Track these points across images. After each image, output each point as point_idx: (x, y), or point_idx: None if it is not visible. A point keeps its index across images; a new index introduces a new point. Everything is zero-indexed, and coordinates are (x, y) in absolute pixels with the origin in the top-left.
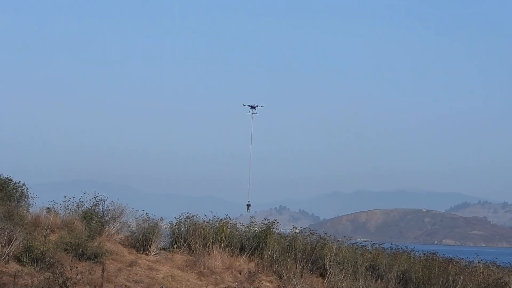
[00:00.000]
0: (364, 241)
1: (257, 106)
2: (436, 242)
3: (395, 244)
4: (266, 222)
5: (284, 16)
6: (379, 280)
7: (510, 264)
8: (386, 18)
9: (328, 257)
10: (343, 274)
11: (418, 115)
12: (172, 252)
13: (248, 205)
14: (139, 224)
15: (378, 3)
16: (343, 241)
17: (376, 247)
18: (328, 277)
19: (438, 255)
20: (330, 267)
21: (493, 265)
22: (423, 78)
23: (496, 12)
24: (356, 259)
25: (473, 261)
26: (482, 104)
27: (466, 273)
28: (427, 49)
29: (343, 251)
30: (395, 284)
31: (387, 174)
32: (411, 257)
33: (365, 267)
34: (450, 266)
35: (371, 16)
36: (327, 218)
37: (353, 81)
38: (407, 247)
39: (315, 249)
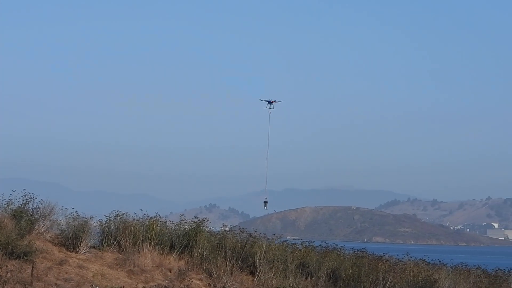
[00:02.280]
0: (294, 239)
1: (275, 101)
2: (365, 239)
3: (325, 242)
4: (196, 220)
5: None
6: (309, 277)
7: (439, 261)
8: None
9: (258, 255)
10: (273, 272)
11: (349, 115)
12: (102, 250)
13: (265, 202)
14: (69, 222)
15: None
16: (273, 239)
17: (306, 245)
18: (258, 275)
19: (367, 252)
20: (260, 265)
21: (422, 263)
22: (348, 77)
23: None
24: (286, 257)
25: (402, 258)
26: (410, 104)
27: (395, 271)
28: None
29: (273, 249)
30: (324, 282)
31: (317, 172)
32: (341, 255)
33: (295, 264)
34: (379, 264)
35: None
36: (257, 216)
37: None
38: (337, 245)
39: (245, 247)
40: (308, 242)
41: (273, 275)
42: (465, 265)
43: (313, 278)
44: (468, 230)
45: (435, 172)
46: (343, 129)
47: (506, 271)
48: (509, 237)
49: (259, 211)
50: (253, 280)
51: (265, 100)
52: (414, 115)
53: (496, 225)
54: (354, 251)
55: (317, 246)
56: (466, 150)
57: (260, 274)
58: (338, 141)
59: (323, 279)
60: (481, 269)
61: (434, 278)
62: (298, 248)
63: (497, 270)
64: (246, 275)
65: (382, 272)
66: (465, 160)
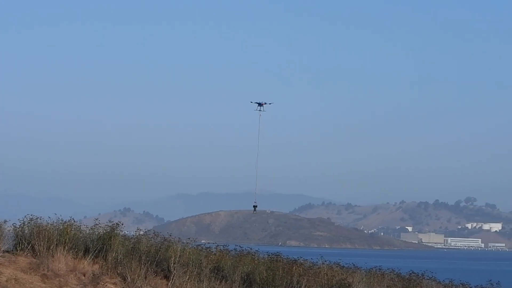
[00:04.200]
0: (209, 243)
1: (265, 104)
2: (280, 243)
3: (240, 246)
4: (110, 224)
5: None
6: (224, 281)
7: (353, 265)
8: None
9: (172, 259)
10: (188, 276)
11: (262, 120)
12: (16, 254)
13: (255, 206)
14: None
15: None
16: (187, 243)
17: (220, 249)
18: (172, 279)
19: (282, 256)
20: (174, 269)
21: (337, 266)
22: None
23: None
24: (201, 260)
25: (317, 262)
26: (327, 109)
27: (310, 274)
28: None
29: (187, 253)
30: (239, 286)
31: (232, 176)
32: (255, 259)
33: (210, 268)
34: (294, 268)
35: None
36: (171, 220)
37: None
38: (251, 249)
39: (159, 251)
40: (223, 246)
41: (188, 279)
42: (379, 269)
43: (228, 282)
44: (382, 233)
45: (350, 175)
46: (254, 133)
47: (420, 274)
48: (423, 241)
49: (174, 215)
50: (167, 284)
51: (256, 102)
52: (327, 119)
53: (410, 228)
54: (269, 255)
55: (231, 250)
56: (380, 154)
57: (175, 278)
58: (253, 145)
59: (238, 282)
60: (395, 273)
61: (348, 281)
62: (212, 252)
63: (411, 274)
64: (160, 279)
65: (296, 276)
66: (379, 165)
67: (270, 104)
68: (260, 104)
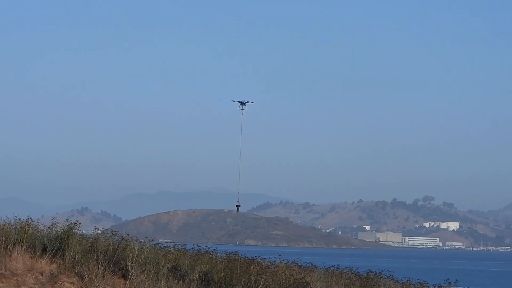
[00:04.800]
0: (166, 242)
1: (247, 102)
2: (238, 242)
3: (197, 245)
4: (68, 223)
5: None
6: (182, 280)
7: (311, 264)
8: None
9: (130, 258)
10: (145, 275)
11: (222, 115)
12: None
13: (238, 206)
14: None
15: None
16: (145, 242)
17: (178, 248)
18: (130, 278)
19: (240, 255)
20: (132, 268)
21: (294, 265)
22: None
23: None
24: (158, 260)
25: (275, 261)
26: (286, 105)
27: (268, 273)
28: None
29: (145, 252)
30: (197, 285)
31: (190, 175)
32: (213, 258)
33: (167, 268)
34: (252, 267)
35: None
36: (129, 219)
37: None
38: (209, 248)
39: (117, 250)
40: (181, 245)
41: (145, 278)
42: (337, 268)
43: (186, 281)
44: (340, 232)
45: (307, 175)
46: (217, 129)
47: (377, 273)
48: (381, 240)
49: (131, 214)
50: (125, 283)
51: (238, 101)
52: (290, 115)
53: (367, 227)
54: (227, 254)
55: (189, 249)
56: (337, 152)
57: (132, 277)
58: (212, 144)
59: (196, 282)
60: (352, 271)
61: (306, 280)
62: (170, 251)
63: (368, 272)
64: (118, 278)
65: (254, 275)
66: (337, 163)
67: (252, 102)
68: (242, 103)
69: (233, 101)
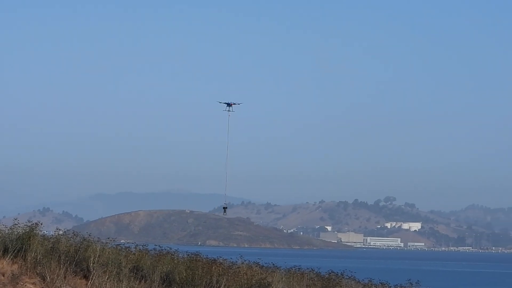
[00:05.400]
0: (128, 243)
1: (234, 104)
2: (199, 243)
3: (159, 245)
4: (30, 224)
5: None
6: (143, 281)
7: (273, 264)
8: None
9: (92, 258)
10: (107, 276)
11: (188, 115)
12: None
13: (225, 208)
14: None
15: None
16: (106, 243)
17: (139, 249)
18: (92, 279)
19: (201, 256)
20: (94, 269)
21: (256, 266)
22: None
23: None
24: (120, 260)
25: (236, 261)
26: (252, 109)
27: (229, 274)
28: None
29: (106, 253)
30: (159, 285)
31: (152, 175)
32: (175, 258)
33: (129, 268)
34: (213, 267)
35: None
36: (90, 220)
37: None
38: (171, 248)
39: (78, 251)
40: (142, 245)
41: (107, 279)
42: (299, 268)
43: (147, 282)
44: (301, 233)
45: (269, 175)
46: (175, 132)
47: (339, 274)
48: (342, 240)
49: (93, 215)
50: (87, 284)
51: (224, 103)
52: (249, 115)
53: (329, 228)
54: (188, 255)
55: (151, 250)
56: (297, 152)
57: (94, 278)
58: (172, 144)
59: (157, 282)
60: (314, 272)
61: (267, 281)
62: (132, 251)
63: (330, 273)
64: (80, 278)
65: (216, 275)
66: (297, 163)
67: (239, 104)
68: (229, 105)
69: (220, 102)
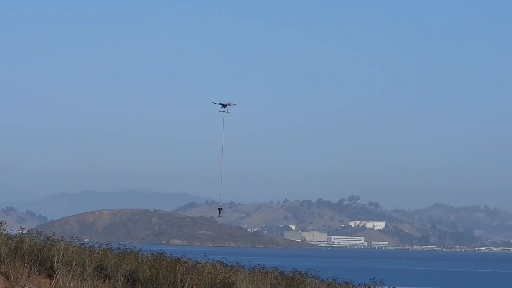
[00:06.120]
0: (92, 242)
1: (229, 104)
2: (163, 242)
3: (123, 244)
4: None
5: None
6: (107, 280)
7: (237, 263)
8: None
9: (56, 258)
10: (71, 275)
11: (141, 119)
12: None
13: (220, 209)
14: None
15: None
16: (70, 242)
17: (103, 248)
18: (56, 278)
19: (165, 255)
20: (58, 268)
21: (220, 265)
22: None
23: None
24: (84, 259)
25: (200, 260)
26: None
27: (193, 273)
28: None
29: (70, 252)
30: (123, 284)
31: (115, 175)
32: (139, 257)
33: (93, 267)
34: (177, 266)
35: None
36: (54, 219)
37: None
38: (134, 247)
39: (42, 250)
40: (106, 244)
41: (71, 278)
42: (263, 267)
43: (111, 281)
44: (265, 232)
45: (233, 175)
46: (138, 131)
47: (303, 273)
48: (306, 239)
49: (57, 214)
50: (51, 283)
51: (219, 104)
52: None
53: (293, 227)
54: (152, 254)
55: (115, 249)
56: (261, 150)
57: (58, 277)
58: (134, 143)
59: (121, 281)
60: (278, 271)
61: (231, 280)
62: (96, 250)
63: (294, 272)
64: (44, 278)
65: (180, 275)
66: (261, 163)
67: (234, 105)
68: (224, 105)
69: (214, 103)
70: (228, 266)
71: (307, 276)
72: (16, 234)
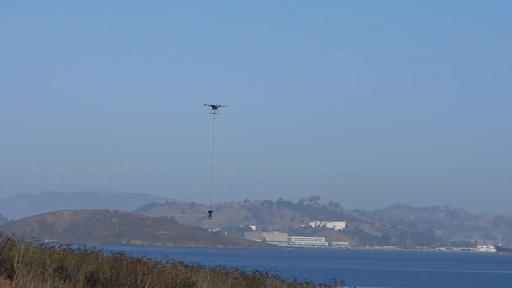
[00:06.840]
0: (52, 242)
1: (219, 106)
2: (124, 242)
3: (84, 245)
4: None
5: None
6: (68, 281)
7: (198, 263)
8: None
9: (16, 258)
10: (31, 275)
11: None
12: None
13: (210, 212)
14: None
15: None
16: (31, 243)
17: (64, 248)
18: (16, 279)
19: (126, 255)
20: (18, 269)
21: (181, 265)
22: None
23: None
24: (44, 260)
25: (161, 261)
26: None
27: (154, 273)
28: None
29: (31, 253)
30: (83, 285)
31: (76, 175)
32: (99, 258)
33: (54, 268)
34: (138, 267)
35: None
36: (15, 220)
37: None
38: (95, 248)
39: (2, 250)
40: (67, 245)
41: (31, 279)
42: (223, 268)
43: (72, 281)
44: (226, 232)
45: (193, 175)
46: (99, 131)
47: (264, 273)
48: (267, 239)
49: (17, 215)
50: (11, 284)
51: (210, 105)
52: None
53: (253, 227)
54: (113, 254)
55: (75, 249)
56: (223, 151)
57: (18, 277)
58: (95, 143)
59: (82, 282)
60: (239, 271)
61: (192, 280)
62: (56, 251)
63: (255, 272)
64: (4, 278)
65: (140, 275)
66: (223, 162)
67: (224, 106)
68: (214, 107)
69: (205, 105)
70: (188, 267)
71: (268, 276)
72: None
